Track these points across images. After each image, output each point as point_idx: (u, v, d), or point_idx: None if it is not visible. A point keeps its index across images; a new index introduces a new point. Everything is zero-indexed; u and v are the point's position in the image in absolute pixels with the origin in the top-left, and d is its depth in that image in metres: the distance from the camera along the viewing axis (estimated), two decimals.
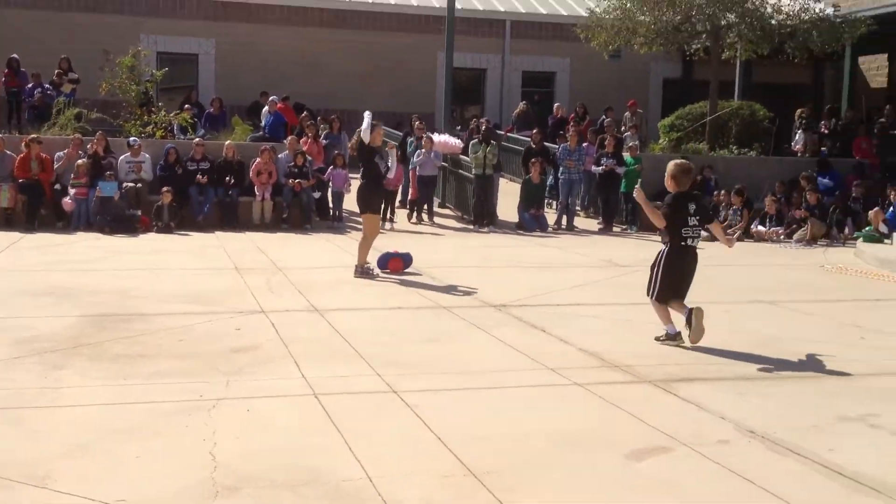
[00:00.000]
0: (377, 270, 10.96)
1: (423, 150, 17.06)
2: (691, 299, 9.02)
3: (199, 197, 15.78)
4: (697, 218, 7.55)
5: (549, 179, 18.19)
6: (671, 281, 7.58)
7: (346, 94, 25.95)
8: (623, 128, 21.01)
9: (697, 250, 7.66)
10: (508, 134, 22.34)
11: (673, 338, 7.56)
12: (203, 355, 6.87)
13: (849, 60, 23.00)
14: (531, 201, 16.89)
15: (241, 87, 24.37)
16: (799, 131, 20.91)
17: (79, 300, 8.87)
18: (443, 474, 4.61)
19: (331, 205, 16.85)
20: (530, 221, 16.63)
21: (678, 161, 7.78)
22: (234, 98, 23.26)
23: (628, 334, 7.70)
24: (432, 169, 17.28)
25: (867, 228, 15.10)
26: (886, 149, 19.76)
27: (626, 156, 17.39)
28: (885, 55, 26.36)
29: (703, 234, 8.53)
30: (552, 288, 10.23)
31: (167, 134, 17.66)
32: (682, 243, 7.54)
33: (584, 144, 17.71)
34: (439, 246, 14.13)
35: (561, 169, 17.37)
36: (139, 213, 15.01)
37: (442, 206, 18.78)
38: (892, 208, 15.26)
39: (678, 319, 7.59)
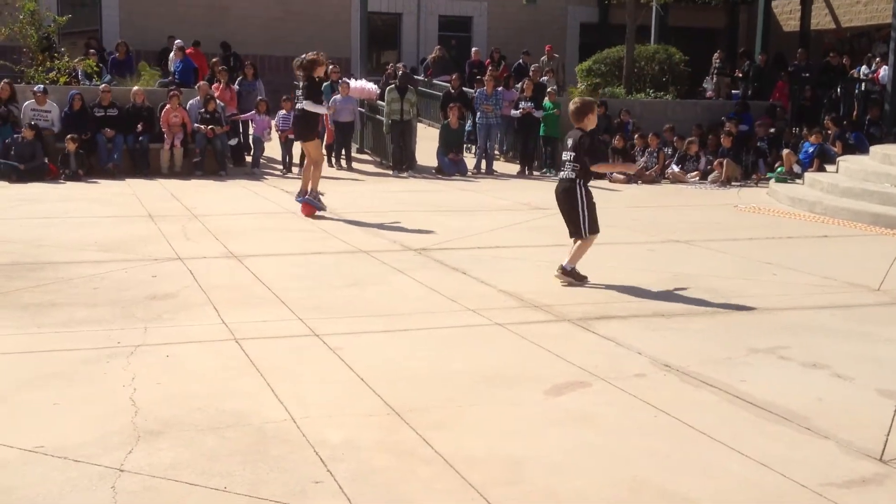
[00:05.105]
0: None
1: (339, 96, 16.85)
2: (609, 239, 9.18)
3: (108, 144, 15.35)
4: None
5: (468, 124, 18.16)
6: (594, 215, 7.74)
7: (257, 40, 25.46)
8: (541, 73, 21.05)
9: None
10: (426, 79, 22.21)
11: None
12: (119, 303, 6.74)
13: (762, 4, 23.32)
14: (450, 146, 16.87)
15: (146, 32, 23.67)
16: (713, 76, 21.20)
17: None
18: (366, 413, 4.63)
19: (252, 151, 16.66)
20: (449, 166, 16.62)
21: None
22: (140, 43, 22.58)
23: (547, 275, 7.77)
24: (349, 115, 17.09)
25: (779, 169, 15.44)
26: (797, 92, 20.20)
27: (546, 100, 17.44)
28: None
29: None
30: (472, 231, 10.27)
31: (71, 80, 17.09)
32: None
33: (500, 89, 17.66)
34: (358, 191, 14.04)
35: (479, 114, 17.34)
36: (46, 160, 14.56)
37: (360, 151, 18.62)
38: (811, 149, 15.57)
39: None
